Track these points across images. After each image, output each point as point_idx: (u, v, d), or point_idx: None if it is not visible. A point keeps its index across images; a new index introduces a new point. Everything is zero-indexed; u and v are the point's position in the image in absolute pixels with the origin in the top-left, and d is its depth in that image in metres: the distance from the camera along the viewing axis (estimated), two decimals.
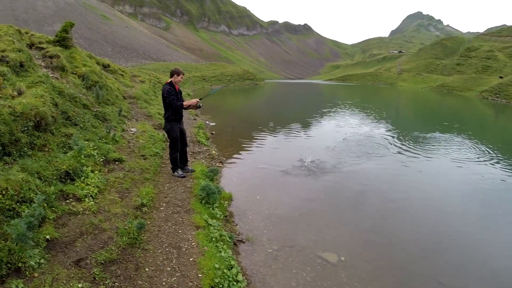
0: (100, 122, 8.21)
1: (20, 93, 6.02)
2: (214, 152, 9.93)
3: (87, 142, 6.46)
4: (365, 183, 8.18)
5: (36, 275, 3.33)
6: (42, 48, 9.65)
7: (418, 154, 11.19)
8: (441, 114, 26.90)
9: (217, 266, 4.03)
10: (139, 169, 6.58)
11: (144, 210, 5.04)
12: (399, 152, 11.28)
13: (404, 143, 12.64)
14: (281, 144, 12.46)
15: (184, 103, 6.37)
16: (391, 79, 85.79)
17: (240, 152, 10.86)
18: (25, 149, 4.81)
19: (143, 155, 7.54)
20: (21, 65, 6.99)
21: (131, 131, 9.38)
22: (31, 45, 9.58)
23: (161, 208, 5.35)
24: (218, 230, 4.99)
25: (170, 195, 5.97)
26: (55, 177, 4.74)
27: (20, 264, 3.28)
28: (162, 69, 53.76)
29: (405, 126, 18.00)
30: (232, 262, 4.25)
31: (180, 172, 6.93)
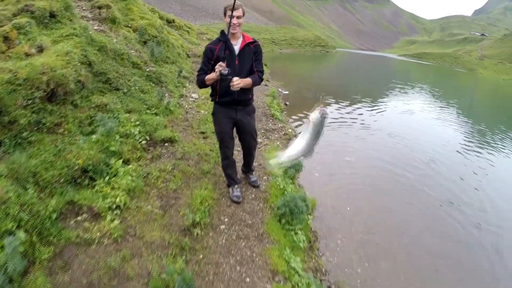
0: (153, 85, 6.51)
1: (41, 50, 4.43)
2: (290, 131, 7.34)
3: (128, 114, 4.78)
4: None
5: None
6: None
7: None
8: None
9: None
10: (196, 155, 4.73)
11: (195, 234, 3.13)
12: None
13: None
14: (373, 126, 9.74)
15: (208, 77, 3.08)
16: (471, 64, 75.19)
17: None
18: (24, 134, 3.17)
19: (203, 132, 5.70)
20: (52, 16, 5.38)
21: (192, 97, 7.61)
22: None
23: (221, 227, 3.37)
24: (305, 278, 3.03)
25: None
26: (63, 179, 3.06)
27: None
28: None
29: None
30: None
31: (234, 191, 3.88)
